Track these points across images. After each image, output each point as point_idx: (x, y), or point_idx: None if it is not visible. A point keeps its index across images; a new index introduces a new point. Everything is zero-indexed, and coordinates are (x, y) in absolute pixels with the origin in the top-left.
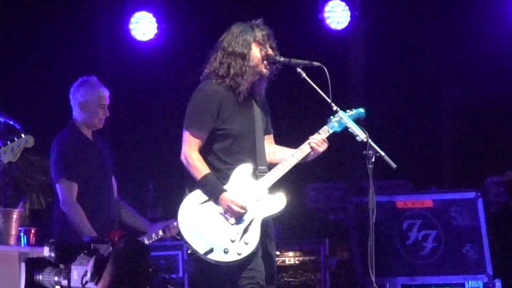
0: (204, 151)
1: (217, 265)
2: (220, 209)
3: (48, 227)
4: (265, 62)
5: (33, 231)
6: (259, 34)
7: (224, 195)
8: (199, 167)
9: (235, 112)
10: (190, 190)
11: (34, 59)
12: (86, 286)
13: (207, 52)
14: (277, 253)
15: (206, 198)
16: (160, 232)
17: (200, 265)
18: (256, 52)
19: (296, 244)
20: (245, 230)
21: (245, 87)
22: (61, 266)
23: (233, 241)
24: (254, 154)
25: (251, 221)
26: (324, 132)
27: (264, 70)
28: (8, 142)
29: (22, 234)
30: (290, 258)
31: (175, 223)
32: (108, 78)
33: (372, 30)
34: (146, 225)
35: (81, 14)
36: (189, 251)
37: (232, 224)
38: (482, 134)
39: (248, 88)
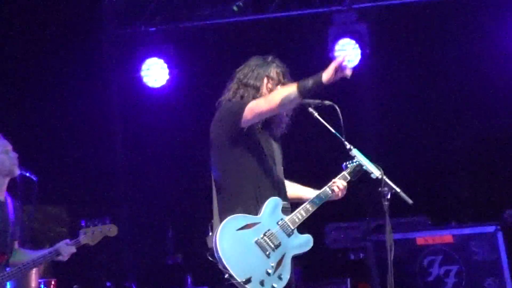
0: (246, 165)
1: None
2: (255, 238)
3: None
4: None
5: (53, 282)
6: (273, 70)
7: (324, 73)
8: (285, 88)
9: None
10: (222, 218)
11: (47, 106)
12: None
13: (218, 96)
14: None
15: (243, 224)
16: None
17: None
18: (266, 87)
19: (317, 285)
20: (278, 264)
21: None
22: None
23: (268, 274)
24: (279, 188)
25: (283, 256)
26: (344, 178)
27: None
28: (91, 225)
29: (42, 286)
30: None
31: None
32: (120, 124)
33: (383, 67)
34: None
35: (93, 63)
36: (225, 276)
37: (268, 256)
38: (498, 167)
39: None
